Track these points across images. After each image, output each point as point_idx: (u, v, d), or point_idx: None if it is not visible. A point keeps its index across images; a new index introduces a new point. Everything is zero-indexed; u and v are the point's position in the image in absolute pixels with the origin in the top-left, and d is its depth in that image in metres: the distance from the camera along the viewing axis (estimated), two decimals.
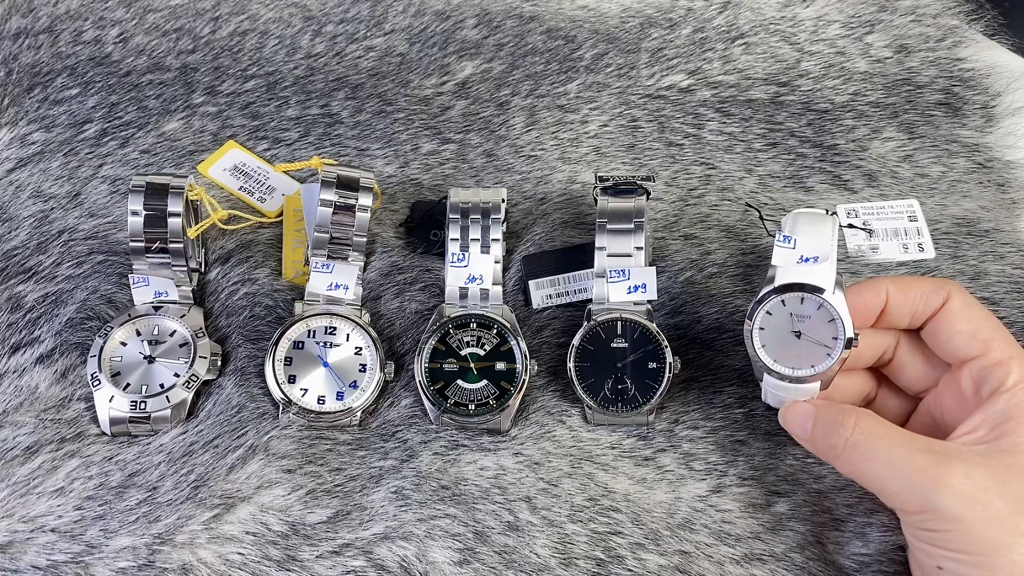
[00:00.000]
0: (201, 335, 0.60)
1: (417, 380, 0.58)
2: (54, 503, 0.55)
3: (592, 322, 0.58)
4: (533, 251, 0.64)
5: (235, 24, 0.77)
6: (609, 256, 0.59)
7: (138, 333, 0.60)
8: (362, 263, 0.62)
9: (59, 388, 0.60)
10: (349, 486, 0.56)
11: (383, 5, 0.78)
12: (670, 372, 0.57)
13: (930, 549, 0.46)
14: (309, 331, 0.59)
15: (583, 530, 0.54)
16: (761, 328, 0.52)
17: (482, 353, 0.59)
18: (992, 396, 0.48)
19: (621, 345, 0.58)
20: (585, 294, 0.62)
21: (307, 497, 0.55)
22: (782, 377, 0.51)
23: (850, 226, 0.65)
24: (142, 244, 0.59)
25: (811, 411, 0.50)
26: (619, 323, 0.58)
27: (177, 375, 0.59)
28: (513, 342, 0.59)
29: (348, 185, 0.60)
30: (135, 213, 0.59)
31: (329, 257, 0.61)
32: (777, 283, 0.52)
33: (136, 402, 0.58)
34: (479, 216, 0.61)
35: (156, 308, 0.61)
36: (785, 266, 0.52)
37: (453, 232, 0.61)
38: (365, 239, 0.61)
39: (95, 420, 0.58)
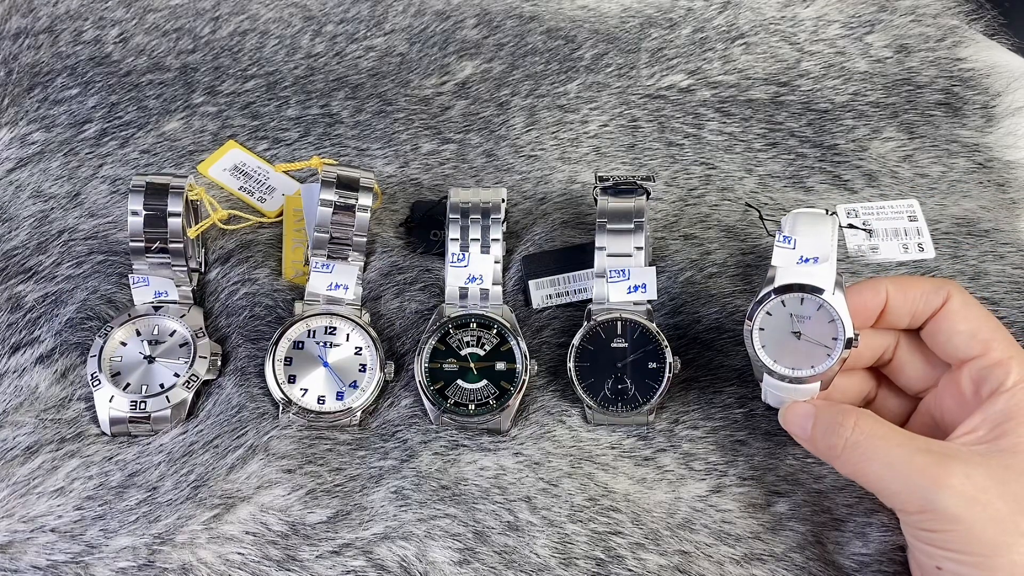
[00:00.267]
0: (201, 335, 0.60)
1: (417, 380, 0.58)
2: (54, 503, 0.55)
3: (592, 322, 0.58)
4: (533, 251, 0.64)
5: (235, 24, 0.77)
6: (609, 256, 0.59)
7: (138, 333, 0.60)
8: (362, 263, 0.62)
9: (59, 388, 0.60)
10: (349, 486, 0.56)
11: (383, 5, 0.78)
12: (670, 372, 0.57)
13: (930, 549, 0.46)
14: (309, 331, 0.59)
15: (583, 530, 0.54)
16: (761, 328, 0.52)
17: (482, 353, 0.59)
18: (992, 396, 0.48)
19: (621, 345, 0.58)
20: (585, 294, 0.62)
21: (307, 497, 0.55)
22: (782, 377, 0.51)
23: (850, 226, 0.65)
24: (142, 244, 0.59)
25: (811, 411, 0.50)
26: (619, 323, 0.58)
27: (177, 375, 0.59)
28: (513, 342, 0.59)
29: (348, 185, 0.60)
30: (135, 213, 0.59)
31: (329, 257, 0.61)
32: (777, 283, 0.52)
33: (136, 402, 0.58)
34: (479, 216, 0.61)
35: (156, 308, 0.61)
36: (785, 266, 0.52)
37: (453, 232, 0.61)
38: (365, 239, 0.61)
39: (95, 420, 0.58)
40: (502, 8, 0.78)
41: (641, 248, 0.59)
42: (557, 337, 0.61)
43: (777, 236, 0.52)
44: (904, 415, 0.55)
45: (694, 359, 0.60)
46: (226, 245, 0.64)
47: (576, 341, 0.58)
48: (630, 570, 0.53)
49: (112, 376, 0.59)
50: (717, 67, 0.74)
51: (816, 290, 0.51)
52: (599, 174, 0.60)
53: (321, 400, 0.58)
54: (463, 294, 0.60)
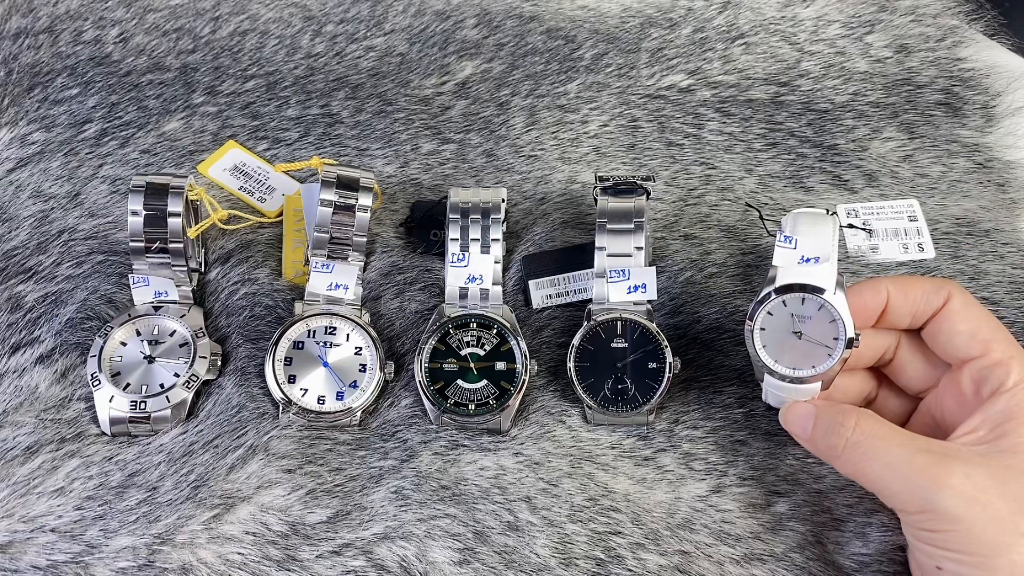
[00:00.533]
0: (201, 335, 0.60)
1: (417, 380, 0.58)
2: (54, 503, 0.55)
3: (592, 322, 0.58)
4: (533, 251, 0.64)
5: (235, 24, 0.77)
6: (609, 256, 0.59)
7: (138, 333, 0.60)
8: (362, 263, 0.62)
9: (59, 388, 0.60)
10: (349, 486, 0.56)
11: (383, 5, 0.78)
12: (670, 372, 0.57)
13: (930, 549, 0.46)
14: (309, 331, 0.59)
15: (583, 530, 0.54)
16: (762, 328, 0.52)
17: (482, 353, 0.59)
18: (992, 396, 0.48)
19: (621, 345, 0.58)
20: (585, 294, 0.62)
21: (307, 497, 0.55)
22: (783, 377, 0.51)
23: (850, 226, 0.65)
24: (142, 244, 0.59)
25: (811, 411, 0.50)
26: (619, 323, 0.58)
27: (177, 375, 0.59)
28: (513, 342, 0.59)
29: (348, 185, 0.60)
30: (135, 213, 0.59)
31: (329, 257, 0.61)
32: (778, 283, 0.52)
33: (136, 402, 0.58)
34: (479, 216, 0.61)
35: (156, 308, 0.61)
36: (786, 266, 0.52)
37: (453, 232, 0.61)
38: (365, 239, 0.61)
39: (95, 420, 0.58)
40: (502, 8, 0.78)
41: (641, 248, 0.59)
42: (557, 337, 0.61)
43: (778, 236, 0.52)
44: (904, 415, 0.55)
45: (694, 359, 0.60)
46: (226, 245, 0.64)
47: (576, 341, 0.58)
48: (630, 570, 0.53)
49: (112, 376, 0.59)
50: (717, 67, 0.74)
51: (817, 290, 0.51)
52: (599, 174, 0.60)
53: (321, 400, 0.58)
54: (463, 294, 0.60)
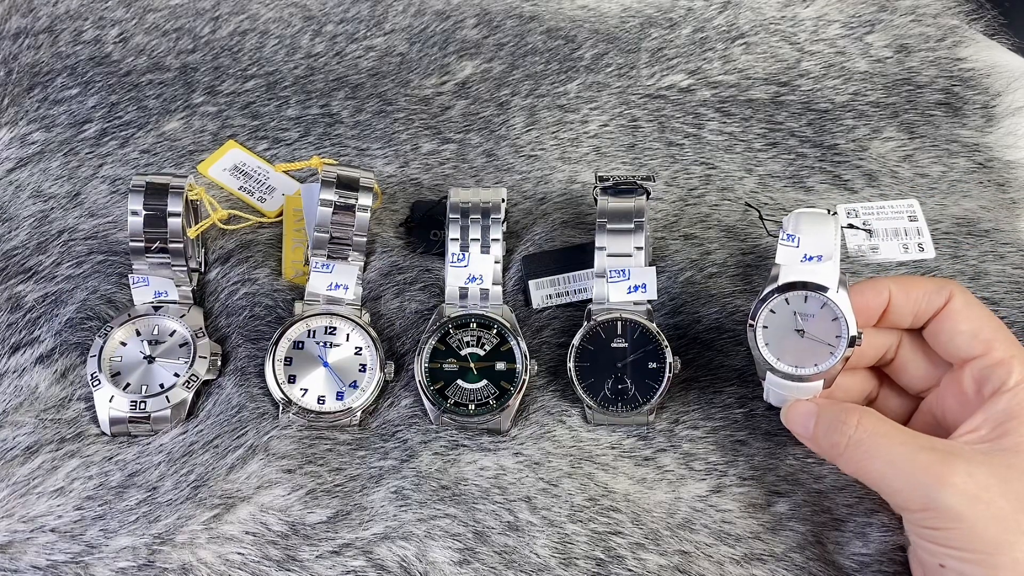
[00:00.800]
0: (201, 335, 0.60)
1: (417, 380, 0.58)
2: (54, 503, 0.55)
3: (592, 322, 0.58)
4: (533, 251, 0.64)
5: (235, 24, 0.77)
6: (609, 256, 0.59)
7: (138, 333, 0.60)
8: (362, 263, 0.62)
9: (59, 388, 0.60)
10: (349, 486, 0.56)
11: (383, 5, 0.78)
12: (670, 372, 0.57)
13: (932, 547, 0.46)
14: (309, 331, 0.59)
15: (583, 530, 0.54)
16: (764, 326, 0.52)
17: (482, 353, 0.59)
18: (994, 396, 0.48)
19: (621, 345, 0.58)
20: (585, 294, 0.62)
21: (307, 497, 0.55)
22: (785, 375, 0.51)
23: (850, 226, 0.65)
24: (142, 244, 0.59)
25: (813, 409, 0.50)
26: (619, 323, 0.58)
27: (177, 375, 0.59)
28: (513, 342, 0.59)
29: (348, 185, 0.60)
30: (135, 213, 0.59)
31: (329, 257, 0.61)
32: (781, 281, 0.52)
33: (136, 402, 0.58)
34: (479, 216, 0.61)
35: (156, 308, 0.61)
36: (789, 264, 0.52)
37: (453, 232, 0.61)
38: (365, 239, 0.61)
39: (95, 420, 0.58)
40: (502, 8, 0.78)
41: (641, 248, 0.59)
42: (557, 337, 0.61)
43: (781, 234, 0.53)
44: (906, 415, 0.55)
45: (694, 359, 0.60)
46: (226, 245, 0.64)
47: (576, 341, 0.58)
48: (630, 570, 0.53)
49: (112, 376, 0.58)
50: (717, 67, 0.74)
51: (820, 288, 0.51)
52: (599, 174, 0.60)
53: (321, 400, 0.58)
54: (463, 294, 0.60)
